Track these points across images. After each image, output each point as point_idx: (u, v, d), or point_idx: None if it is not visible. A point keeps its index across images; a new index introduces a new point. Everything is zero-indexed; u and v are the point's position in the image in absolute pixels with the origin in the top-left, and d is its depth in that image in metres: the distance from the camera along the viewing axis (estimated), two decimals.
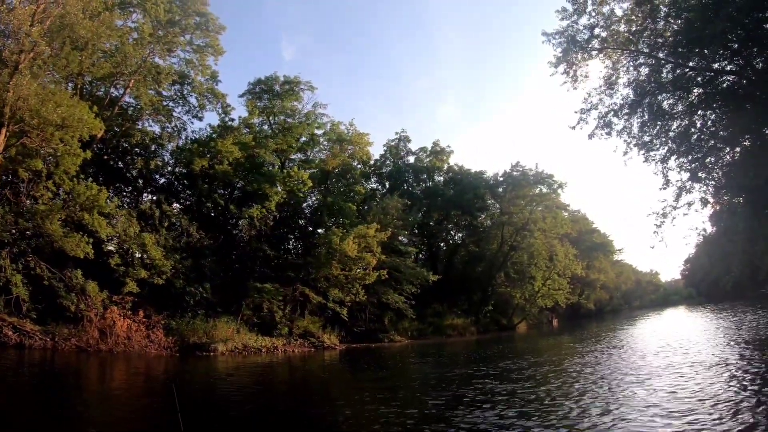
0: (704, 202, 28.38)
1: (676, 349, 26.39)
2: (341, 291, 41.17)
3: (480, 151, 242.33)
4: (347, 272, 41.14)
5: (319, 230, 46.57)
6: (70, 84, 35.06)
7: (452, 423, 12.42)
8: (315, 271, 40.48)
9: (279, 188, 42.06)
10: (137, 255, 33.25)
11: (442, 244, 69.67)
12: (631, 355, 26.02)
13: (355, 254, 39.88)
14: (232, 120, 44.97)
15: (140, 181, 40.89)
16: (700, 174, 28.17)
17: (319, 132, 50.23)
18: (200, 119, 43.79)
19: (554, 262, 65.46)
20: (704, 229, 32.09)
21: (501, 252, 63.75)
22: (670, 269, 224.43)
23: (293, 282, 40.08)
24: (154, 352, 30.37)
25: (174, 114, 43.21)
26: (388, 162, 64.71)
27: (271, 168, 43.16)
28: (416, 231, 62.87)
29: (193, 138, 43.52)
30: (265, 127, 47.62)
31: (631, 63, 28.40)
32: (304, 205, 49.86)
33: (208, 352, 31.65)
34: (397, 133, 67.14)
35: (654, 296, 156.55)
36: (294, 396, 19.56)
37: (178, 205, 41.19)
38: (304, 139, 49.25)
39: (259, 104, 46.86)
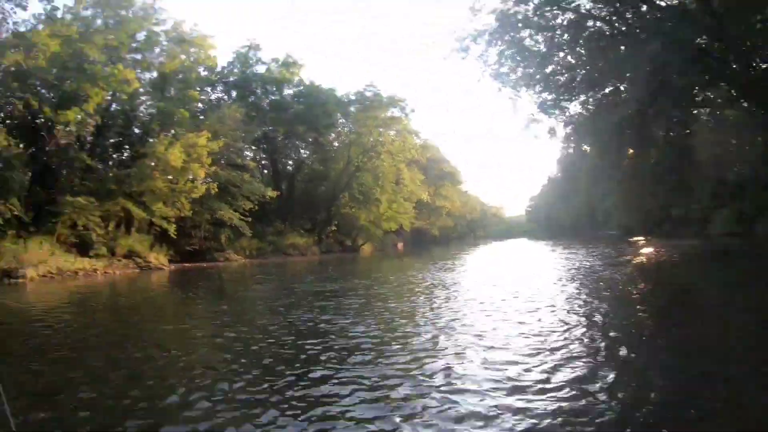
0: (552, 132, 28.29)
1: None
2: (165, 205, 38.25)
3: (335, 72, 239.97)
4: (173, 184, 38.32)
5: (150, 139, 42.88)
6: None
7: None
8: (137, 183, 37.10)
9: (101, 89, 37.74)
10: None
11: (288, 161, 67.46)
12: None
13: (181, 165, 36.97)
14: (56, 9, 39.72)
15: None
16: (550, 111, 27.99)
17: (158, 30, 45.39)
18: (24, 8, 38.54)
19: (400, 186, 65.44)
20: (552, 172, 32.36)
21: (346, 172, 62.66)
22: (515, 207, 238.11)
23: (115, 196, 36.60)
24: None
25: None
26: (235, 71, 61.08)
27: (95, 65, 38.60)
28: (263, 146, 60.86)
29: (15, 31, 37.83)
30: (98, 21, 42.30)
31: None
32: (140, 111, 46.08)
33: (15, 278, 27.89)
34: (248, 40, 63.20)
35: (498, 228, 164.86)
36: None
37: None
38: (141, 37, 44.33)
39: None
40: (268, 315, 15.73)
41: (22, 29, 37.82)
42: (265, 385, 8.13)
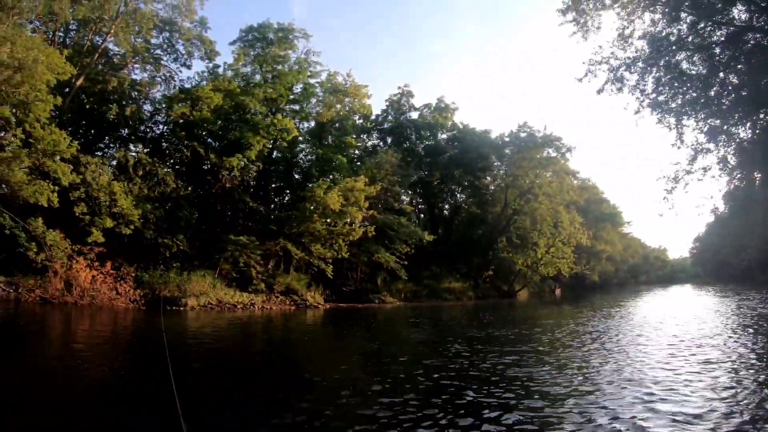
0: (723, 162, 25.98)
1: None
2: (323, 246, 39.06)
3: (488, 112, 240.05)
4: (331, 227, 39.15)
5: (309, 184, 44.42)
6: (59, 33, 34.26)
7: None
8: (297, 225, 38.24)
9: (263, 137, 39.75)
10: (105, 204, 30.79)
11: (444, 205, 67.54)
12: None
13: (339, 208, 37.66)
14: (218, 66, 43.14)
15: (123, 131, 39.03)
16: (719, 137, 25.83)
17: (314, 82, 47.74)
18: (188, 67, 42.21)
19: (559, 230, 63.12)
20: (716, 207, 29.90)
21: (504, 215, 61.53)
22: (678, 247, 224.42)
23: (276, 236, 37.95)
24: (121, 306, 28.48)
25: (162, 62, 41.22)
26: (389, 117, 62.33)
27: (256, 116, 40.79)
28: (419, 190, 61.47)
29: (182, 87, 41.59)
30: (257, 76, 45.09)
31: (647, 13, 25.71)
32: (300, 158, 48.13)
33: (177, 306, 29.78)
34: (399, 88, 64.58)
35: (661, 272, 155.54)
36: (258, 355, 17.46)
37: (157, 155, 38.92)
38: (298, 89, 47.01)
39: (252, 53, 44.45)
40: (451, 361, 15.23)
41: (187, 86, 41.63)
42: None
